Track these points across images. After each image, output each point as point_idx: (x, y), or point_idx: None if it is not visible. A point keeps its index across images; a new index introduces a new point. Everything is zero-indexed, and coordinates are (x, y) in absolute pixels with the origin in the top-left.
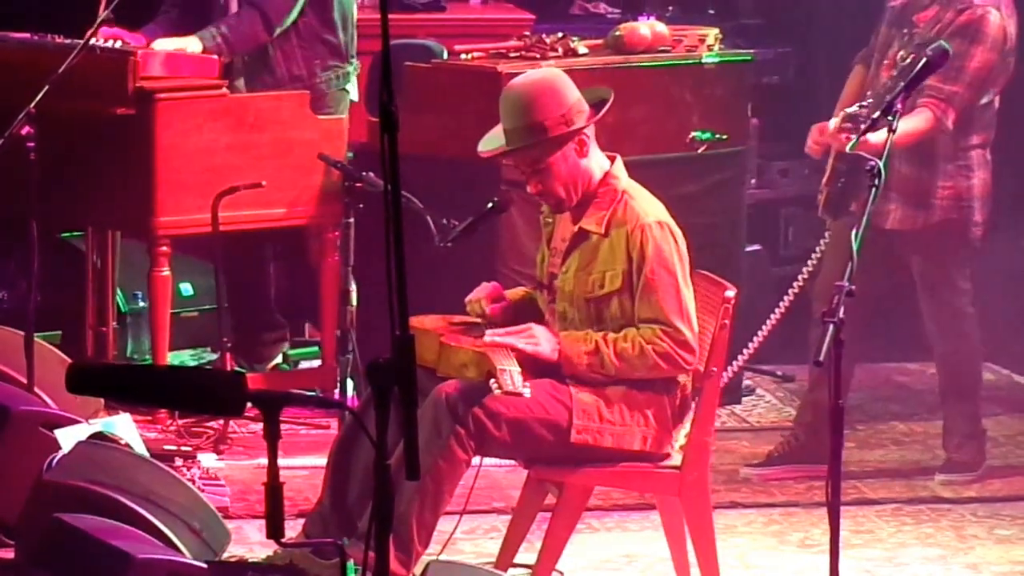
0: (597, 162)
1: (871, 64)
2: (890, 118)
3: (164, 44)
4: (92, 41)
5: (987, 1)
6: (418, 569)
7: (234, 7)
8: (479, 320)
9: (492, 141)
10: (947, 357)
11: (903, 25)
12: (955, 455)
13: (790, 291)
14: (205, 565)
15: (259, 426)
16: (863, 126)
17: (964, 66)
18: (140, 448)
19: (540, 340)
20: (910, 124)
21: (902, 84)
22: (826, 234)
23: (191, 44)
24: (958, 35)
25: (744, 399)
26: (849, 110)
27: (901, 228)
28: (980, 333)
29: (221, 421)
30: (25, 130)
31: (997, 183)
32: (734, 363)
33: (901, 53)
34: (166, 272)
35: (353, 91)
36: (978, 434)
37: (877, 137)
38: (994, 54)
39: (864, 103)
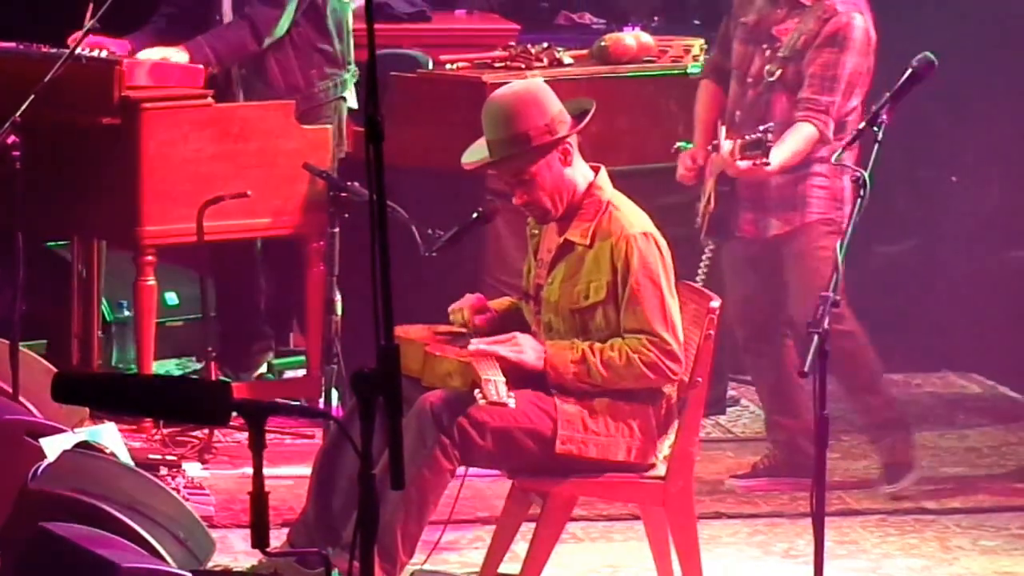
0: (581, 172)
1: (720, 80)
2: (875, 129)
3: (150, 54)
4: (78, 50)
5: (850, 7)
6: None
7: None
8: (464, 330)
9: (476, 153)
10: (834, 354)
11: (762, 40)
12: (889, 459)
13: None
14: (190, 574)
15: (244, 435)
16: (770, 150)
17: (837, 75)
18: (125, 457)
19: (525, 348)
20: (797, 142)
21: (887, 95)
22: (707, 250)
23: (178, 55)
24: (827, 44)
25: (729, 410)
26: (753, 136)
27: (780, 233)
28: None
29: (206, 430)
30: (10, 139)
31: (983, 196)
32: None
33: (768, 67)
34: (151, 281)
35: (352, 98)
36: (902, 423)
37: (772, 163)
38: (863, 58)
39: (768, 127)
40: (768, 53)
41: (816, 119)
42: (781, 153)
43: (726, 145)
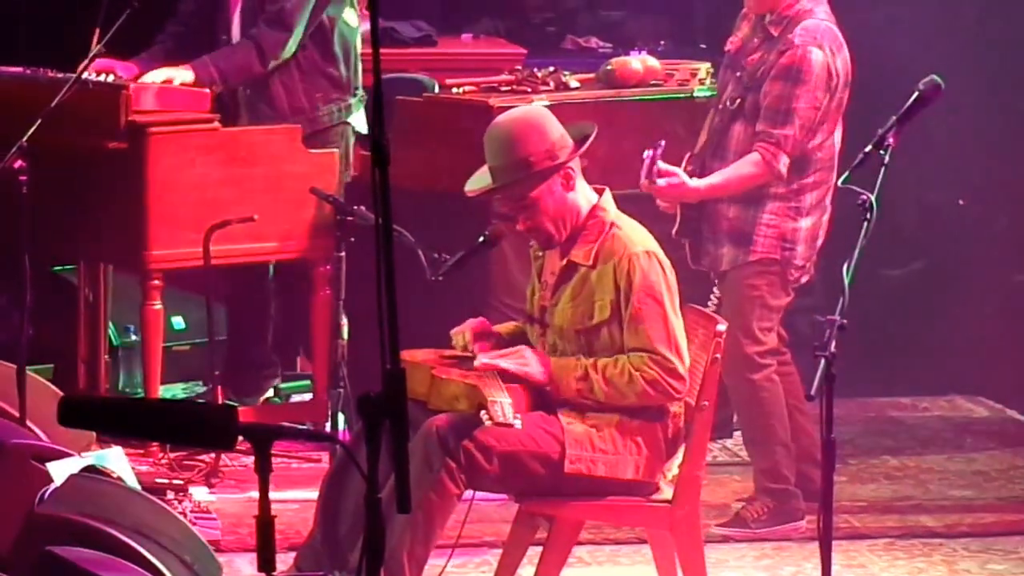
0: (584, 195)
1: None
2: (881, 152)
3: (155, 75)
4: (84, 75)
5: (808, 40)
6: None
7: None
8: (469, 353)
9: (478, 180)
10: (739, 407)
11: (736, 68)
12: (742, 510)
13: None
14: None
15: (251, 459)
16: (653, 166)
17: (792, 108)
18: (132, 481)
19: (530, 362)
20: (739, 168)
21: (894, 118)
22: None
23: (183, 74)
24: (780, 77)
25: (735, 433)
26: (644, 154)
27: (729, 268)
28: (798, 387)
29: (213, 454)
30: (17, 164)
31: (992, 219)
32: None
33: (731, 95)
34: (158, 306)
35: (360, 123)
36: (776, 492)
37: (698, 182)
38: (820, 92)
39: (658, 144)
40: (737, 80)
41: (765, 150)
42: (718, 175)
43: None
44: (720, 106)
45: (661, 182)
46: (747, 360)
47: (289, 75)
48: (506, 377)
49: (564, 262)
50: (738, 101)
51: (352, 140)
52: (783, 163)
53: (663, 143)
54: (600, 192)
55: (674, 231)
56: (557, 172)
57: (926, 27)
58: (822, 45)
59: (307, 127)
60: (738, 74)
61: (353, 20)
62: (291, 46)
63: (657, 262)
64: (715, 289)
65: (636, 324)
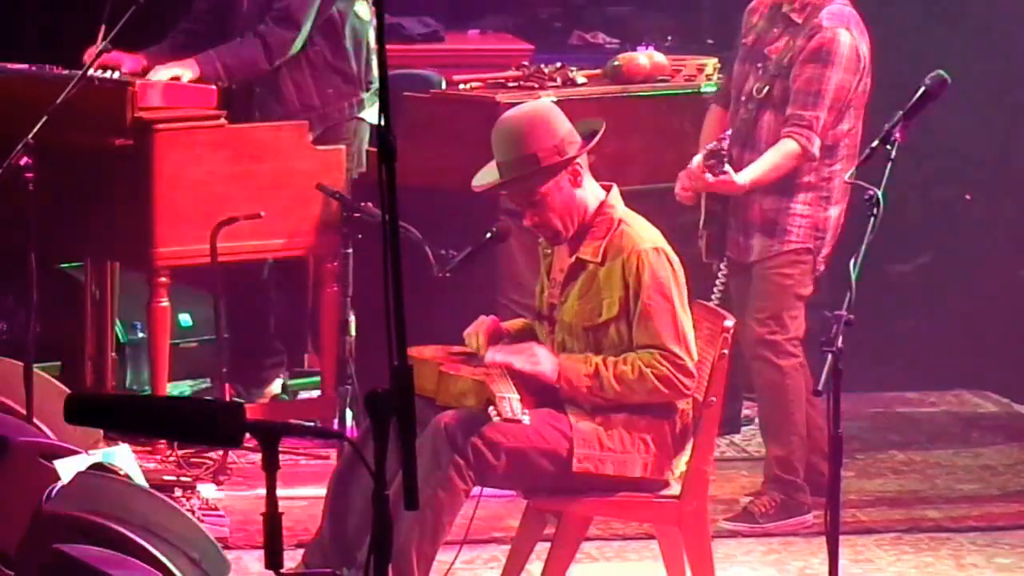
0: (592, 192)
1: (727, 104)
2: (888, 147)
3: (161, 71)
4: (90, 72)
5: (836, 23)
6: None
7: None
8: (479, 351)
9: (486, 175)
10: (761, 391)
11: (756, 60)
12: (750, 505)
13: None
14: None
15: (258, 456)
16: (725, 159)
17: (821, 90)
18: (139, 479)
19: (541, 360)
20: (776, 156)
21: (900, 113)
22: (721, 272)
23: (187, 70)
24: (811, 60)
25: (743, 428)
26: (710, 146)
27: (760, 258)
28: (810, 380)
29: (220, 451)
30: (23, 161)
31: (998, 214)
32: None
33: (756, 85)
34: (165, 303)
35: (374, 117)
36: (784, 483)
37: (743, 177)
38: (849, 75)
39: (724, 136)
40: (760, 71)
41: (798, 134)
42: (758, 167)
43: (695, 160)
44: (743, 98)
45: (709, 177)
46: (776, 347)
47: (299, 71)
48: (516, 375)
49: (573, 259)
50: (766, 90)
51: (366, 136)
52: (816, 145)
53: (729, 133)
54: (607, 189)
55: (701, 223)
56: (565, 168)
57: (932, 22)
58: (849, 28)
59: (318, 123)
60: (759, 65)
61: (365, 13)
62: (298, 43)
63: (666, 258)
64: (717, 283)
65: (646, 320)
